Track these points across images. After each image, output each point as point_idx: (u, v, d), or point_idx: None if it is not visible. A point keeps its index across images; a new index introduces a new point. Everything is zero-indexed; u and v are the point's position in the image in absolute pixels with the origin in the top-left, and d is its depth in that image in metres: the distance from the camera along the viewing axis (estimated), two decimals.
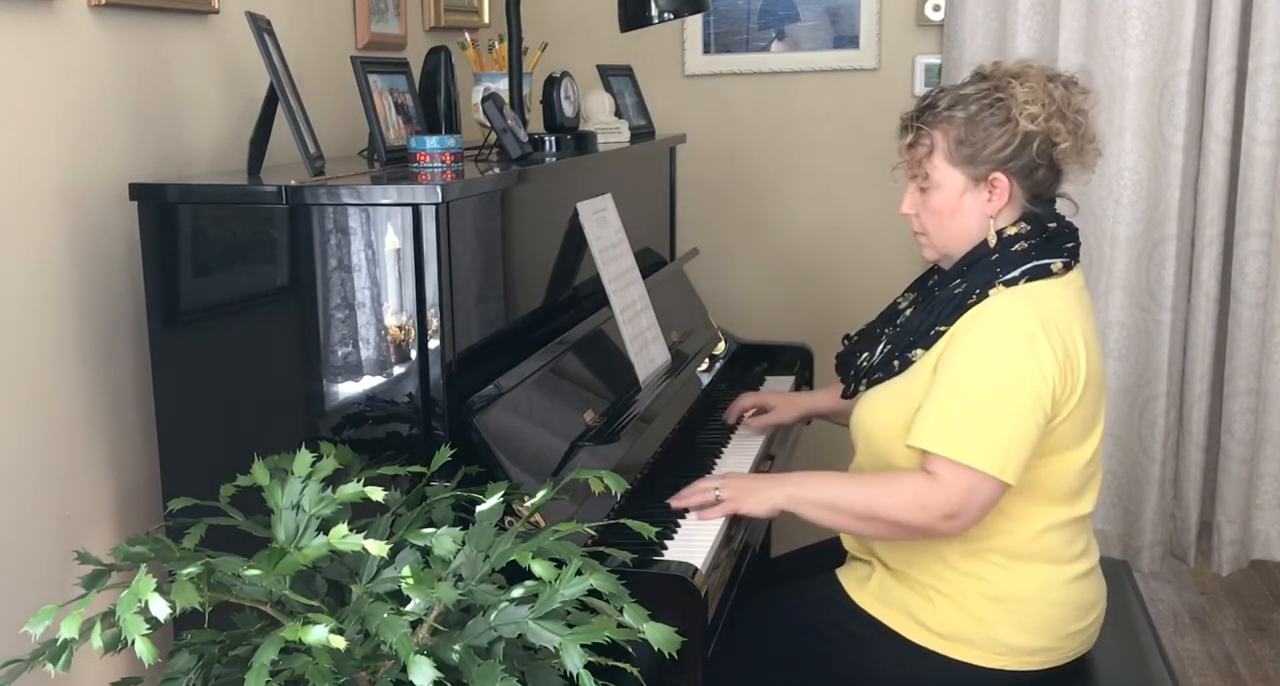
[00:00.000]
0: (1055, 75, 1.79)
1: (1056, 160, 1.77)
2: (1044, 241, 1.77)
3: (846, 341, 2.04)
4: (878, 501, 1.73)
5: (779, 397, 2.33)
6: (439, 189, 1.61)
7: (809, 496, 1.78)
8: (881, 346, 1.89)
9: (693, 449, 2.21)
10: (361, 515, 1.45)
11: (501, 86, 2.27)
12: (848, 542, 1.97)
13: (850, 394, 1.95)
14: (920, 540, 1.78)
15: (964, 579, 1.79)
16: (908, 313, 1.89)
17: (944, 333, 1.77)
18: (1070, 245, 1.80)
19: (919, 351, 1.79)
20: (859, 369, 1.92)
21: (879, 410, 1.84)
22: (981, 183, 1.77)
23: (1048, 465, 1.75)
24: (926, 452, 1.70)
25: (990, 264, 1.77)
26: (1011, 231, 1.78)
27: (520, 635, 1.27)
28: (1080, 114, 1.77)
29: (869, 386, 1.88)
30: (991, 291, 1.75)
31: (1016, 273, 1.75)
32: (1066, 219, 1.84)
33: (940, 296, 1.81)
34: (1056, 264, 1.76)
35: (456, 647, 1.26)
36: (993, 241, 1.78)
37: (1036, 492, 1.76)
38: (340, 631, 1.22)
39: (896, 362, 1.82)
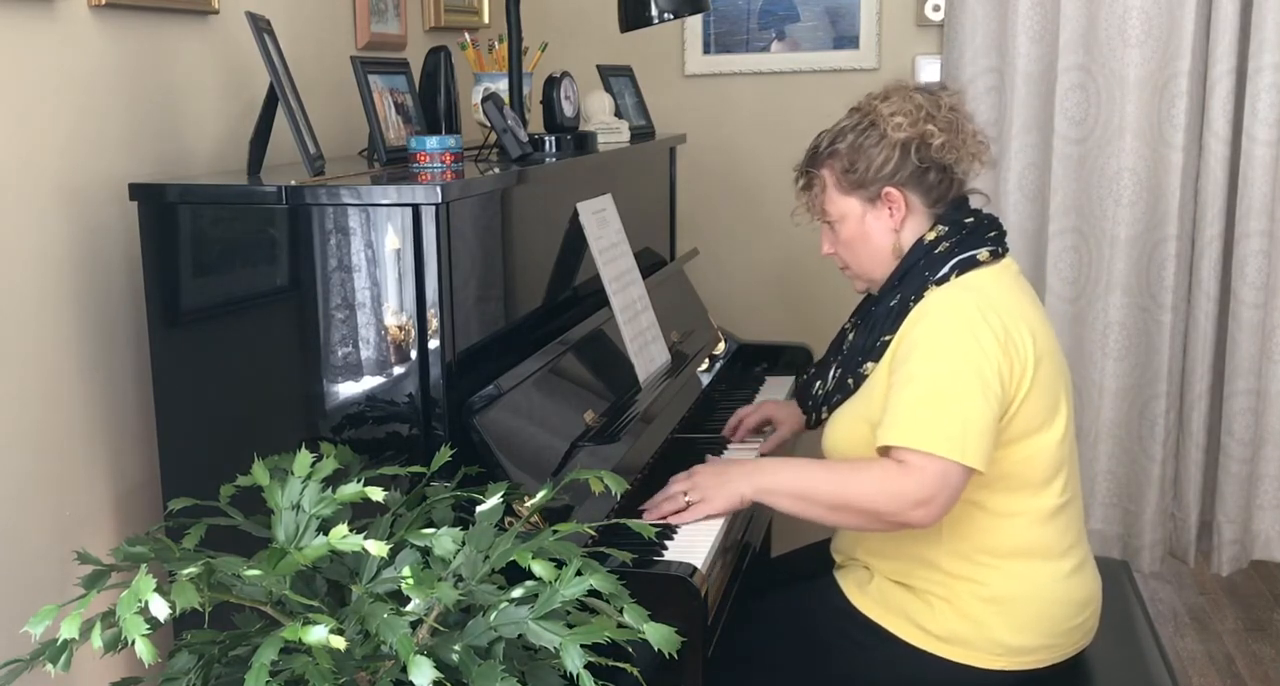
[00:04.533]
0: (920, 86, 1.90)
1: (939, 159, 1.83)
2: (964, 237, 1.83)
3: (807, 375, 2.07)
4: (849, 489, 1.72)
5: (783, 410, 2.27)
6: (439, 189, 1.61)
7: (779, 486, 1.78)
8: (833, 371, 1.92)
9: (692, 449, 2.20)
10: (361, 515, 1.45)
11: (501, 86, 2.27)
12: (838, 553, 1.97)
13: (814, 423, 1.99)
14: (890, 532, 1.78)
15: (959, 582, 1.79)
16: (851, 336, 1.94)
17: (889, 341, 1.81)
18: (993, 234, 1.85)
19: (869, 364, 1.83)
20: (815, 397, 1.96)
21: (846, 430, 1.86)
22: (877, 201, 1.85)
23: (1018, 451, 1.77)
24: (891, 447, 1.70)
25: (919, 270, 1.82)
26: (930, 237, 1.84)
27: (520, 635, 1.27)
28: (953, 111, 1.85)
29: (830, 412, 1.91)
30: (926, 293, 1.80)
31: (945, 270, 1.81)
32: (984, 212, 1.90)
33: (878, 311, 1.85)
34: (983, 253, 1.82)
35: (456, 647, 1.26)
36: (903, 251, 1.84)
37: (1011, 482, 1.78)
38: (340, 631, 1.22)
39: (851, 381, 1.86)
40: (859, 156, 1.84)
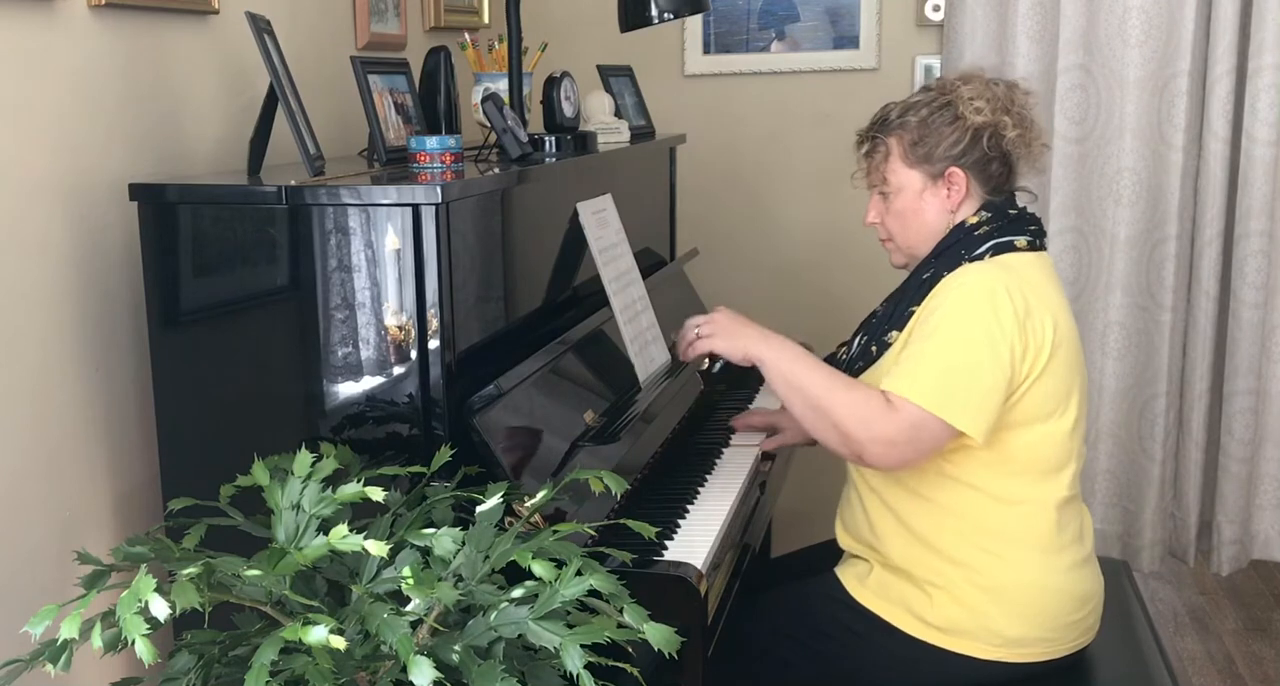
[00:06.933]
0: (998, 79, 1.91)
1: (1007, 151, 1.86)
2: (1005, 225, 1.85)
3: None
4: (833, 397, 1.78)
5: (786, 418, 2.27)
6: (439, 189, 1.61)
7: (781, 363, 1.85)
8: (859, 340, 1.96)
9: (692, 449, 2.21)
10: (361, 515, 1.45)
11: (501, 86, 2.27)
12: (842, 540, 1.98)
13: None
14: (846, 457, 1.81)
15: (958, 570, 1.81)
16: (880, 310, 1.97)
17: (915, 311, 1.84)
18: (1033, 227, 1.88)
19: (894, 333, 1.87)
20: (839, 363, 1.98)
21: None
22: (939, 180, 1.87)
23: (1023, 436, 1.79)
24: (884, 392, 1.75)
25: (956, 249, 1.85)
26: (973, 220, 1.86)
27: (520, 635, 1.27)
28: (1024, 108, 1.88)
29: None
30: (959, 268, 1.83)
31: (981, 249, 1.83)
32: (1028, 210, 1.92)
33: (910, 283, 1.89)
34: (1020, 241, 1.84)
35: (456, 648, 1.26)
36: (950, 227, 1.87)
37: (1017, 467, 1.80)
38: (340, 631, 1.22)
39: (874, 348, 1.89)
40: (929, 132, 1.85)
